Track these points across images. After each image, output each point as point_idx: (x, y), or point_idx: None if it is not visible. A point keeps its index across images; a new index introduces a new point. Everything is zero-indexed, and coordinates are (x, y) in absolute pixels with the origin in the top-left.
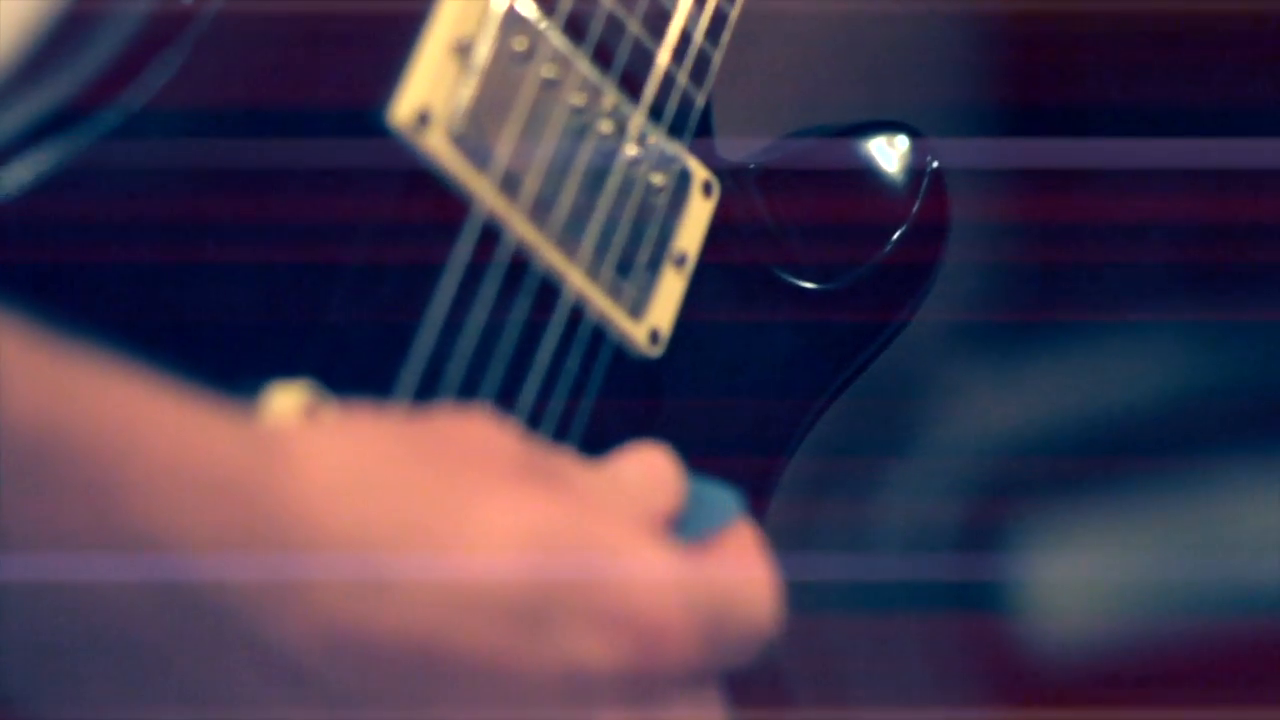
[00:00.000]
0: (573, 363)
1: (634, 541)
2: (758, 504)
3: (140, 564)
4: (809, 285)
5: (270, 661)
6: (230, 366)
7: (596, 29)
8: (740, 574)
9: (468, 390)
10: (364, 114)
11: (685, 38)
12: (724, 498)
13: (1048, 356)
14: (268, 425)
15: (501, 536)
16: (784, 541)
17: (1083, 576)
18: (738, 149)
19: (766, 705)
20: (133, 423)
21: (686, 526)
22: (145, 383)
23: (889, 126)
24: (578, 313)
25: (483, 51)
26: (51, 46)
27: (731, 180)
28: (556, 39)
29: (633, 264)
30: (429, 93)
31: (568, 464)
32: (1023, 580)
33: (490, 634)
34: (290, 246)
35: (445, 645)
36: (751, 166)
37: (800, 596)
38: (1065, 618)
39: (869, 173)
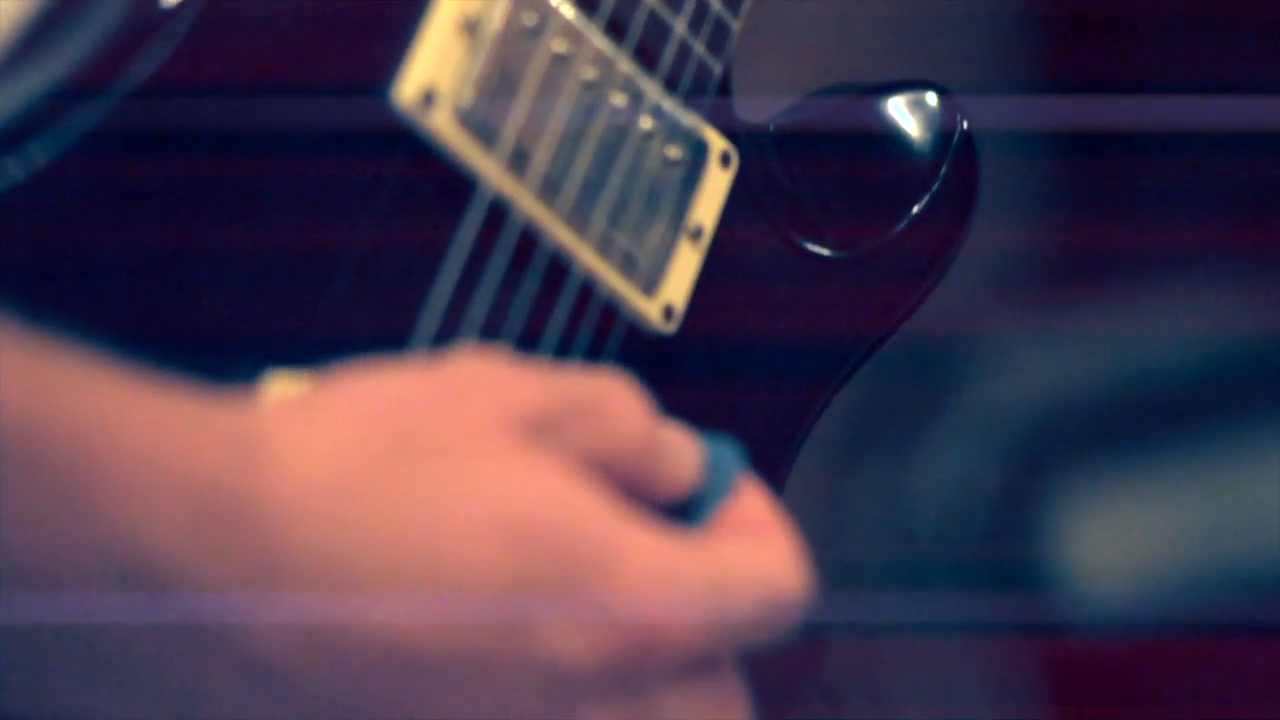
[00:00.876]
0: (583, 340)
1: (624, 529)
2: (774, 480)
3: (113, 566)
4: (830, 253)
5: (243, 662)
6: (230, 353)
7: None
8: (748, 552)
9: None
10: (368, 93)
11: (702, 6)
12: (724, 456)
13: (1086, 320)
14: (247, 419)
15: (483, 530)
16: (817, 508)
17: (1120, 543)
18: (757, 110)
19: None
20: (108, 421)
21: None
22: (122, 379)
23: (917, 85)
24: (588, 289)
25: (491, 27)
26: (44, 27)
27: (750, 144)
28: (568, 12)
29: (646, 240)
30: (435, 71)
31: (567, 408)
32: (1058, 547)
33: (468, 634)
34: (291, 228)
35: (422, 646)
36: (771, 128)
37: (830, 569)
38: (1101, 585)
39: (895, 133)
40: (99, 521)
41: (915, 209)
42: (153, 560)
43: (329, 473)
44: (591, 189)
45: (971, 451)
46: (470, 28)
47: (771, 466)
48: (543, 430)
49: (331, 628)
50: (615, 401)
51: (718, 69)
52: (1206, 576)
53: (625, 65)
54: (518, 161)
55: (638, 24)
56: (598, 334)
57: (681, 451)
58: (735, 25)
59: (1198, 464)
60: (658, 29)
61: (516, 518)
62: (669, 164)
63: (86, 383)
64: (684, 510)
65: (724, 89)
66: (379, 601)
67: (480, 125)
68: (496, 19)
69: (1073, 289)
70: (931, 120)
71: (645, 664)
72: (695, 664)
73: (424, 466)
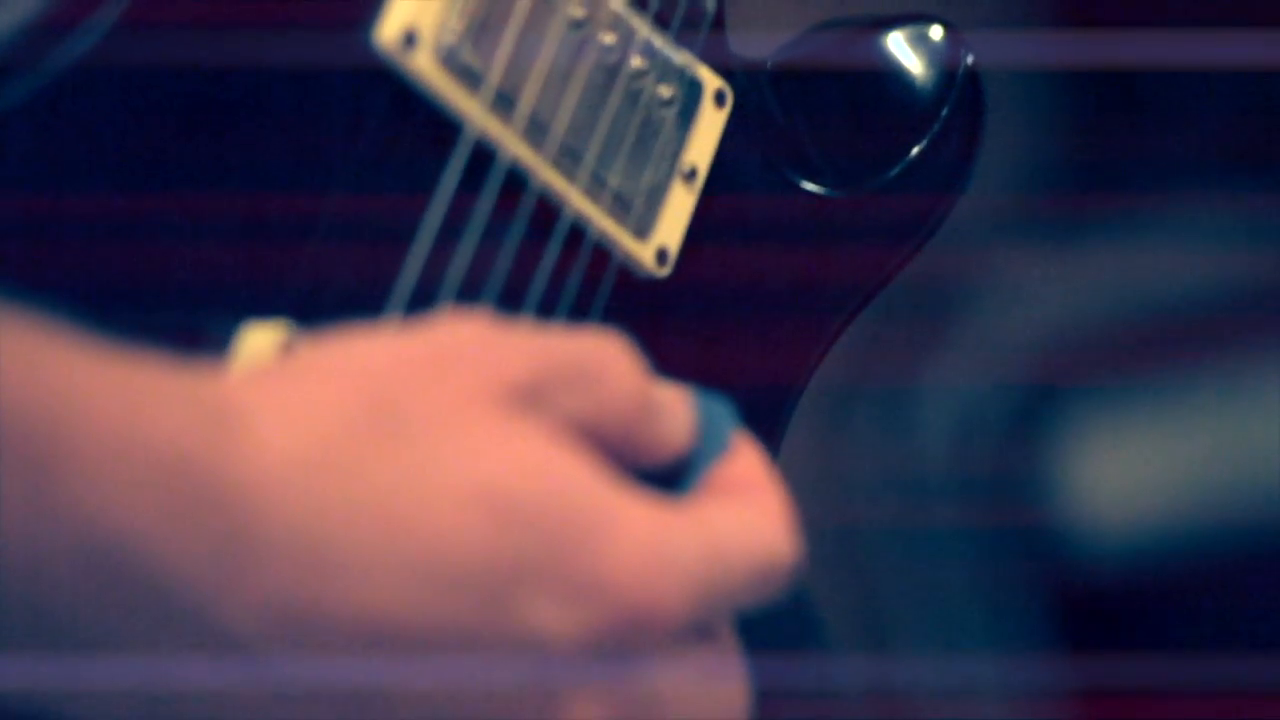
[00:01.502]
0: (573, 286)
1: (615, 499)
2: (772, 430)
3: (81, 546)
4: (829, 193)
5: (215, 640)
6: (207, 307)
7: None
8: (741, 516)
9: None
10: (347, 35)
11: None
12: (717, 415)
13: (1097, 247)
14: (219, 390)
15: (466, 503)
16: (827, 436)
17: (1130, 473)
18: (753, 46)
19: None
20: (70, 394)
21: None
22: (87, 351)
23: (920, 19)
24: (578, 234)
25: None
26: None
27: (746, 82)
28: None
29: (638, 182)
30: (416, 12)
31: (557, 373)
32: (1068, 477)
33: (449, 609)
34: (268, 177)
35: (400, 622)
36: (769, 65)
37: (836, 504)
38: (1111, 515)
39: (897, 69)
40: (64, 500)
41: (918, 147)
42: (121, 540)
43: (305, 446)
44: (580, 131)
45: (981, 379)
46: None
47: (770, 416)
48: (530, 397)
49: (306, 607)
50: (609, 364)
51: (711, 4)
52: (1221, 505)
53: (614, 2)
54: (503, 103)
55: None
56: (588, 280)
57: (676, 412)
58: None
59: (1213, 389)
60: None
61: (502, 490)
62: (661, 104)
63: (50, 356)
64: (675, 471)
65: (718, 24)
66: (357, 580)
67: (463, 67)
68: None
69: (1082, 212)
70: (935, 55)
71: (636, 639)
72: (688, 632)
73: (405, 438)
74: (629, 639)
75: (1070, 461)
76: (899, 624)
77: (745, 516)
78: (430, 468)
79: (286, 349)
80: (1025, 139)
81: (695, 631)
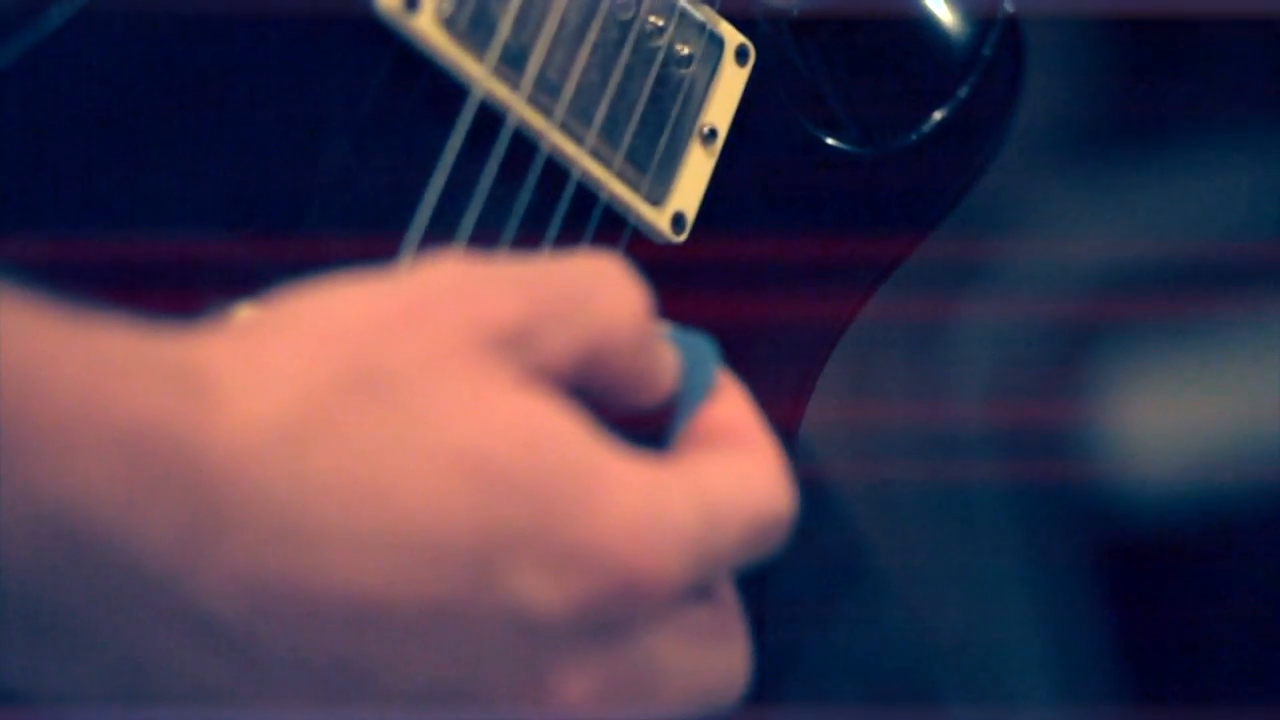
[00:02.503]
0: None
1: (603, 459)
2: (796, 403)
3: (45, 519)
4: (857, 150)
5: (188, 622)
6: (202, 276)
7: None
8: (734, 470)
9: None
10: None
11: None
12: (701, 354)
13: (1136, 189)
14: (188, 353)
15: (446, 469)
16: (857, 384)
17: (1169, 421)
18: None
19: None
20: (26, 359)
21: None
22: (50, 314)
23: None
24: (589, 200)
25: None
26: None
27: (769, 34)
28: None
29: (654, 145)
30: None
31: (546, 307)
32: (1107, 425)
33: (430, 585)
34: (267, 143)
35: (381, 599)
36: (795, 13)
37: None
38: (1150, 465)
39: (930, 18)
40: (25, 471)
41: (952, 101)
42: (86, 512)
43: (277, 411)
44: (592, 93)
45: (1015, 323)
46: None
47: (794, 389)
48: (517, 339)
49: (282, 582)
50: (602, 288)
51: None
52: (1267, 453)
53: None
54: (509, 65)
55: None
56: (600, 247)
57: (662, 349)
58: None
59: (1256, 334)
60: None
61: (485, 455)
62: (679, 61)
63: (6, 319)
64: (658, 414)
65: None
66: (336, 553)
67: (467, 28)
68: None
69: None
70: (972, 2)
71: (631, 606)
72: (686, 594)
73: (383, 400)
74: (624, 607)
75: (1112, 408)
76: (936, 581)
77: (738, 468)
78: (410, 432)
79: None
80: (1065, 87)
81: (693, 593)
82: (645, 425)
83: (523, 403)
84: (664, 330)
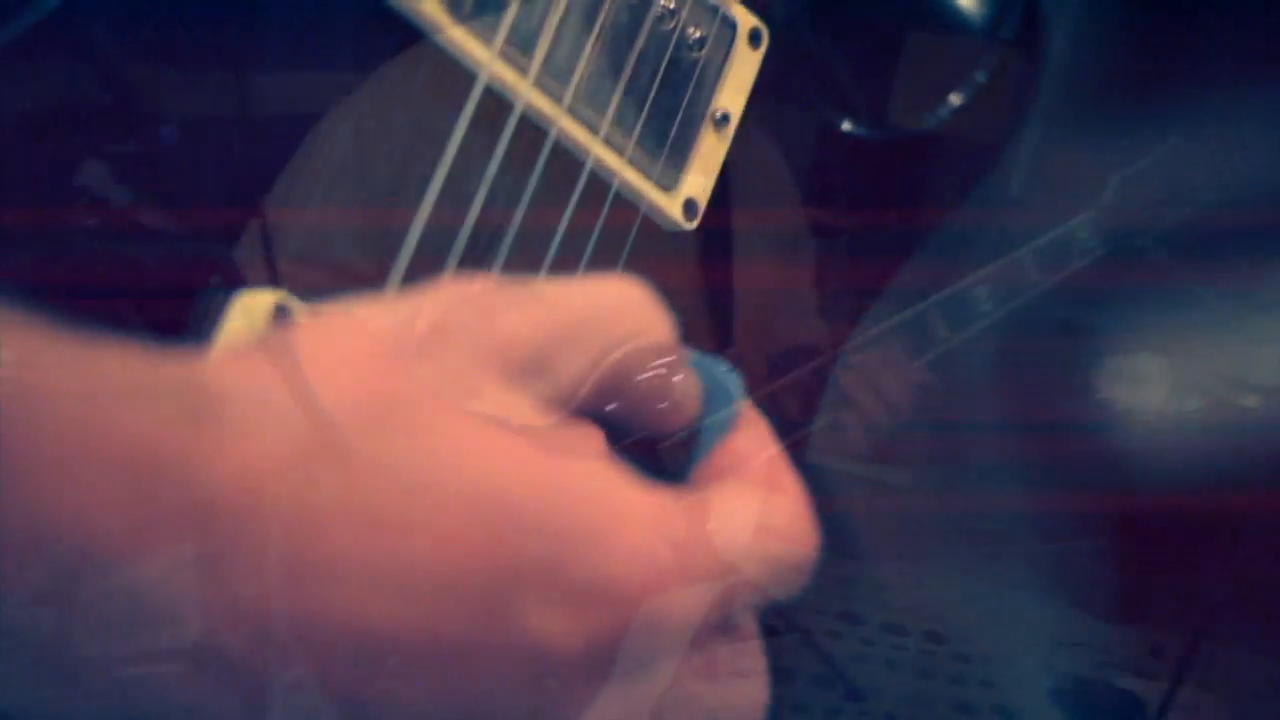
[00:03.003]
0: (594, 241)
1: (620, 492)
2: (809, 405)
3: (44, 546)
4: (872, 136)
5: (190, 649)
6: (203, 263)
7: None
8: (755, 507)
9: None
10: None
11: None
12: (723, 382)
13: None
14: (195, 376)
15: (460, 504)
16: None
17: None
18: None
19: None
20: (34, 389)
21: None
22: (51, 338)
23: None
24: (600, 188)
25: None
26: None
27: (783, 16)
28: None
29: (666, 131)
30: None
31: (565, 331)
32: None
33: (446, 618)
34: (271, 130)
35: (396, 632)
36: None
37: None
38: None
39: (947, 1)
40: (23, 499)
41: (970, 85)
42: (86, 541)
43: (290, 440)
44: (601, 78)
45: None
46: None
47: (810, 388)
48: (535, 364)
49: (289, 612)
50: (625, 312)
51: None
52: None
53: None
54: (517, 49)
55: None
56: (610, 236)
57: (686, 375)
58: None
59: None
60: None
61: (498, 489)
62: (691, 45)
63: (12, 342)
64: (679, 443)
65: None
66: (350, 588)
67: (475, 12)
68: None
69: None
70: None
71: (645, 643)
72: (705, 629)
73: (399, 430)
74: (640, 643)
75: (1124, 367)
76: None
77: (760, 506)
78: (424, 463)
79: (279, 317)
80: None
81: (713, 628)
82: (666, 454)
83: (538, 435)
84: (686, 356)
